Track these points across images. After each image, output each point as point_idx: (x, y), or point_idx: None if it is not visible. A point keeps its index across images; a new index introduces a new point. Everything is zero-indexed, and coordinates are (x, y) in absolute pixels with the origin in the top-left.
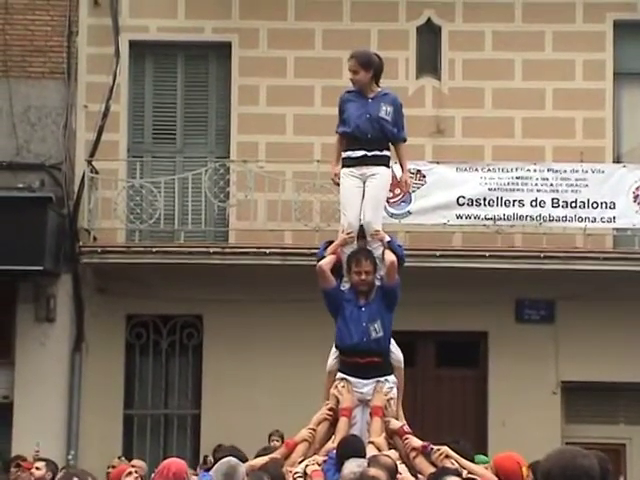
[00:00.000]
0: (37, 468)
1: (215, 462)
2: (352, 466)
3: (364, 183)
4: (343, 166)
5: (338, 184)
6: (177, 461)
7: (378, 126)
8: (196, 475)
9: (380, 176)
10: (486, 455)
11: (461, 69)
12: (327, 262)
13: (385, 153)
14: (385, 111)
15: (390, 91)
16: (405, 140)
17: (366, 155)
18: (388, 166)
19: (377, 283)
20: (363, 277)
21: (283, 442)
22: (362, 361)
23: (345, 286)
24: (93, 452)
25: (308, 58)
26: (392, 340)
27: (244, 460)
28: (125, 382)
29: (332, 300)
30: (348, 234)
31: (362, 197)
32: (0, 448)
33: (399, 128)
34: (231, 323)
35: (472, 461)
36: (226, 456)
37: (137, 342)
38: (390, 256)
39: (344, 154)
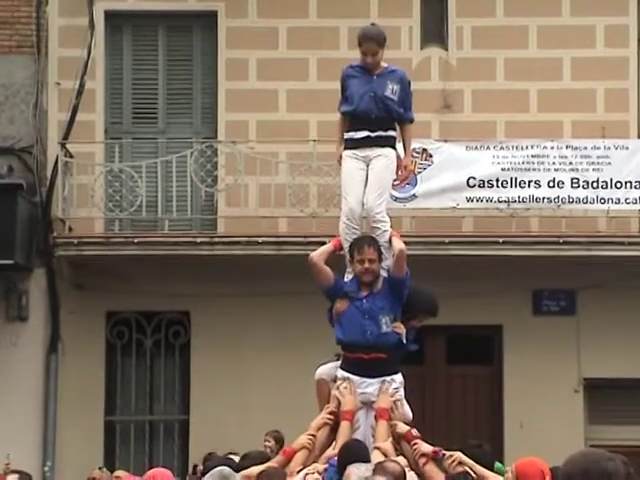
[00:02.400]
0: None
1: (205, 472)
2: (360, 471)
3: (367, 166)
4: (345, 148)
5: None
6: (163, 471)
7: (383, 106)
8: None
9: (385, 158)
10: (502, 462)
11: (470, 37)
12: (319, 253)
13: (390, 133)
14: (391, 90)
15: (397, 67)
16: (412, 121)
17: (369, 136)
18: (394, 147)
19: (383, 274)
20: (367, 266)
21: (276, 443)
22: (366, 357)
23: (348, 277)
24: (71, 463)
25: (302, 28)
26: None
27: (237, 470)
28: (106, 386)
29: (331, 299)
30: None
31: (365, 181)
32: None
33: (406, 108)
34: (221, 320)
35: (491, 469)
36: (217, 466)
37: (118, 342)
38: (399, 244)
39: (346, 135)
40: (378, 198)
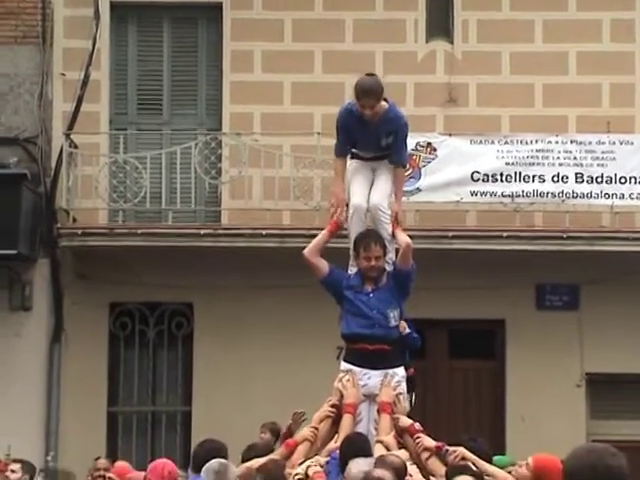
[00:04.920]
0: (12, 471)
1: (195, 459)
2: (360, 465)
3: (374, 172)
4: (352, 158)
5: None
6: (170, 463)
7: (380, 152)
8: (184, 476)
9: (387, 168)
10: (503, 455)
11: (475, 31)
12: (311, 248)
13: None
14: (385, 142)
15: (393, 108)
16: (405, 166)
17: (376, 156)
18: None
19: (387, 268)
20: (373, 263)
21: (272, 435)
22: (371, 347)
23: (352, 270)
24: (74, 453)
25: (307, 20)
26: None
27: (243, 460)
28: (108, 376)
29: (330, 289)
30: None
31: (370, 183)
32: None
33: (399, 154)
34: (224, 311)
35: (490, 462)
36: (207, 454)
37: (121, 332)
38: (405, 238)
39: (353, 150)
40: (383, 196)
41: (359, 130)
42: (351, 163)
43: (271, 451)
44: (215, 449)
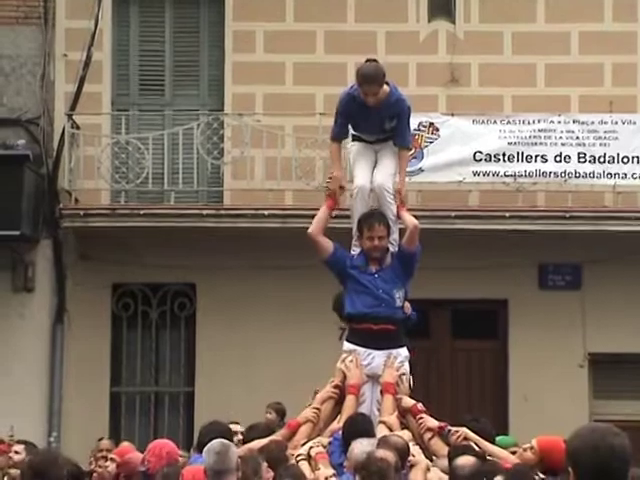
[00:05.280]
0: (16, 452)
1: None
2: (362, 445)
3: (377, 153)
4: (354, 140)
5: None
6: (169, 443)
7: (383, 135)
8: (186, 456)
9: (391, 148)
10: (506, 435)
11: (477, 11)
12: (315, 225)
13: None
14: (389, 126)
15: (395, 91)
16: (410, 148)
17: (379, 139)
18: None
19: (391, 248)
20: (376, 243)
21: (277, 415)
22: (375, 327)
23: (355, 250)
24: (77, 434)
25: (309, 0)
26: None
27: (244, 442)
28: (111, 357)
29: (334, 268)
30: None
31: (374, 165)
32: None
33: (404, 136)
34: (227, 292)
35: (492, 442)
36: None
37: (124, 313)
38: (412, 219)
39: (355, 132)
40: (388, 176)
41: (361, 115)
42: (353, 144)
43: (272, 432)
44: (220, 432)
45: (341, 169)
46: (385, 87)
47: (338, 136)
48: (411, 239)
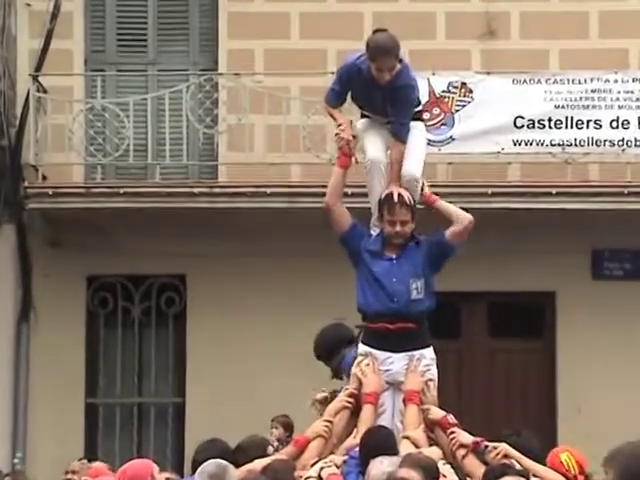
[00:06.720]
0: None
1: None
2: (383, 465)
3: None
4: (362, 117)
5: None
6: (139, 463)
7: (387, 119)
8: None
9: (415, 129)
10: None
11: None
12: (331, 193)
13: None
14: (390, 110)
15: (404, 76)
16: (403, 142)
17: (390, 121)
18: (421, 119)
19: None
20: (398, 229)
21: (285, 430)
22: (392, 327)
23: (375, 231)
24: (46, 453)
25: None
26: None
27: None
28: (86, 362)
29: (348, 247)
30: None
31: (386, 140)
32: None
33: (398, 129)
34: (222, 284)
35: (538, 461)
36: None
37: (101, 310)
38: (466, 214)
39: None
40: (419, 166)
41: (365, 92)
42: (362, 122)
43: (265, 446)
44: (219, 450)
45: (345, 119)
46: (397, 65)
47: (334, 103)
48: (462, 234)
